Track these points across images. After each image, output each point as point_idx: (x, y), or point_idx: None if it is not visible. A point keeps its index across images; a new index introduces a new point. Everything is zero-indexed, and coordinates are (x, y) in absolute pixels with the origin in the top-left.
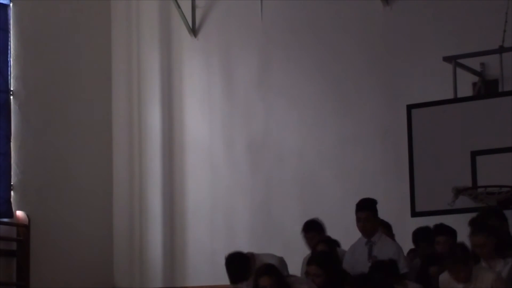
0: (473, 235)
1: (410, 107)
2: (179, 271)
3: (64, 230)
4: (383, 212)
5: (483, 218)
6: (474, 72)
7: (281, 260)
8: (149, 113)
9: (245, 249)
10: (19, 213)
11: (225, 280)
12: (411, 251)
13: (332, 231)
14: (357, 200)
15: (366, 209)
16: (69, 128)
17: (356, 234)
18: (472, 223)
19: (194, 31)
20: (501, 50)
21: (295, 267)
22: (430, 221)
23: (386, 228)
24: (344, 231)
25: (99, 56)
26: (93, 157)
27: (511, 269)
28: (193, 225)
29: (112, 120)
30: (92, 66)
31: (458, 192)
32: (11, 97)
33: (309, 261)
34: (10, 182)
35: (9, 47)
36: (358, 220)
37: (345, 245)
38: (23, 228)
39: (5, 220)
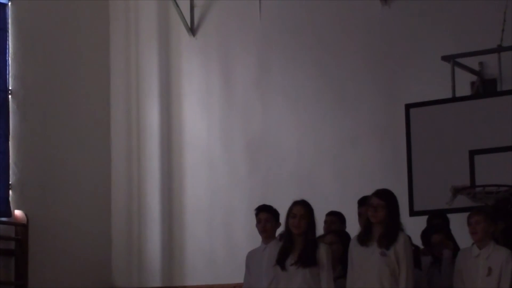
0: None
1: (408, 107)
2: (178, 270)
3: (62, 229)
4: None
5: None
6: (472, 71)
7: None
8: (148, 112)
9: (243, 249)
10: (18, 212)
11: (223, 279)
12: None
13: None
14: (356, 199)
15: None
16: (68, 128)
17: (355, 233)
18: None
19: (192, 30)
20: (500, 49)
21: None
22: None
23: None
24: None
25: (97, 55)
26: (92, 156)
27: None
28: (191, 224)
29: (111, 119)
30: (90, 65)
31: (456, 191)
32: (10, 96)
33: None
34: (9, 181)
35: (7, 46)
36: (359, 215)
37: None
38: (21, 227)
39: (4, 219)
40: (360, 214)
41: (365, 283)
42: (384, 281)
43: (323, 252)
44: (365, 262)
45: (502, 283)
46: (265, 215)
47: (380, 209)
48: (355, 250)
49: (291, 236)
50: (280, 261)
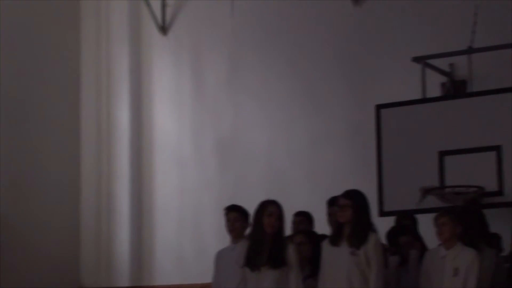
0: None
1: (379, 107)
2: (146, 269)
3: (31, 227)
4: None
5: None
6: (443, 72)
7: None
8: (118, 111)
9: (212, 248)
10: None
11: (192, 279)
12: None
13: None
14: (325, 199)
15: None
16: (38, 126)
17: (326, 233)
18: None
19: (164, 29)
20: (470, 50)
21: None
22: None
23: None
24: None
25: (68, 54)
26: (62, 155)
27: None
28: (160, 223)
29: (81, 119)
30: (61, 64)
31: (426, 192)
32: None
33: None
34: None
35: None
36: (328, 215)
37: None
38: None
39: None
40: (330, 214)
41: (334, 282)
42: (353, 280)
43: (291, 253)
44: (335, 261)
45: (468, 284)
46: (234, 214)
47: (346, 209)
48: (326, 250)
49: (262, 236)
50: (249, 262)
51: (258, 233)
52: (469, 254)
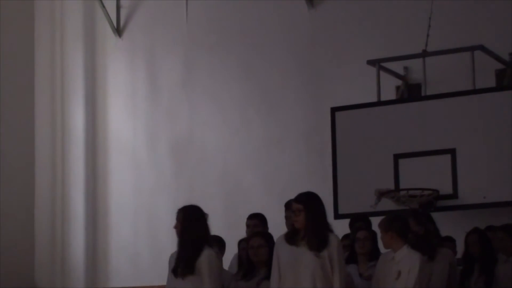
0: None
1: (334, 110)
2: (102, 271)
3: None
4: None
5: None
6: (397, 75)
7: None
8: (73, 113)
9: (168, 250)
10: None
11: (148, 281)
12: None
13: None
14: (280, 202)
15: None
16: None
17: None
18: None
19: (118, 31)
20: (424, 54)
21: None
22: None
23: None
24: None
25: (21, 55)
26: (15, 157)
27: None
28: (116, 225)
29: (35, 120)
30: (14, 65)
31: (381, 194)
32: None
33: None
34: None
35: None
36: (286, 218)
37: None
38: None
39: None
40: (287, 217)
41: (295, 283)
42: (317, 282)
43: (203, 261)
44: (296, 262)
45: (406, 285)
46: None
47: (299, 213)
48: (283, 249)
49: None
50: (174, 268)
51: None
52: (412, 257)
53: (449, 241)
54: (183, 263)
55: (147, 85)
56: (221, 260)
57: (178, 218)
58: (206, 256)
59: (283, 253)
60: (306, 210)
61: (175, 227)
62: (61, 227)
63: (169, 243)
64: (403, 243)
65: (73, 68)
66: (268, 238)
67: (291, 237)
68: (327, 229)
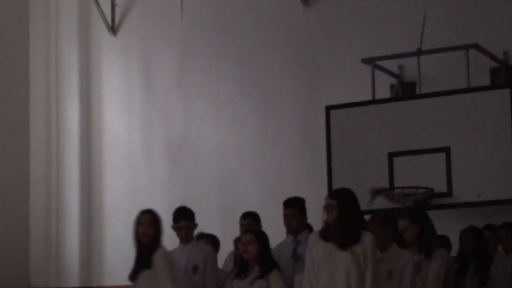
0: (398, 219)
1: (328, 108)
2: (96, 270)
3: None
4: None
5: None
6: (392, 74)
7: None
8: (67, 111)
9: None
10: None
11: None
12: None
13: None
14: (275, 200)
15: (292, 206)
16: None
17: (275, 234)
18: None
19: (113, 29)
20: (419, 52)
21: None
22: None
23: (309, 230)
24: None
25: (16, 53)
26: (10, 155)
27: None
28: (110, 224)
29: (30, 119)
30: (9, 64)
31: (375, 193)
32: None
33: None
34: None
35: None
36: (284, 217)
37: None
38: None
39: None
40: (285, 216)
41: (330, 280)
42: (351, 278)
43: (158, 257)
44: (330, 258)
45: (402, 285)
46: (185, 223)
47: (332, 209)
48: (317, 246)
49: (137, 244)
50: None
51: (135, 242)
52: (403, 256)
53: (444, 240)
54: (143, 261)
55: (142, 83)
56: (216, 258)
57: (146, 222)
58: (160, 252)
59: (316, 250)
60: (339, 206)
61: (143, 233)
62: (56, 225)
63: (163, 241)
64: (392, 242)
65: (68, 66)
66: (260, 235)
67: (325, 233)
68: (361, 226)
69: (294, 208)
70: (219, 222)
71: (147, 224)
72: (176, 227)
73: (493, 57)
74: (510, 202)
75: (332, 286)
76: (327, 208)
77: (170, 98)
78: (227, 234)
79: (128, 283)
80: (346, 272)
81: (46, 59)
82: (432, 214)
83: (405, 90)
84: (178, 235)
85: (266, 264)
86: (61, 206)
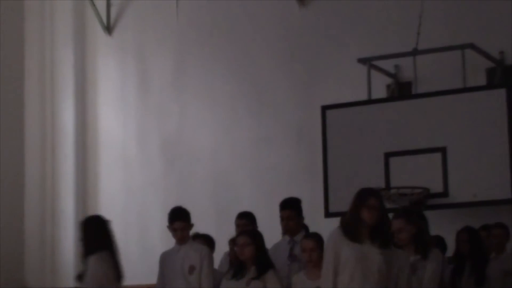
0: (393, 219)
1: (324, 108)
2: None
3: None
4: None
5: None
6: (388, 74)
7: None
8: (62, 111)
9: (158, 249)
10: None
11: (138, 280)
12: None
13: None
14: (271, 200)
15: (288, 208)
16: None
17: (270, 234)
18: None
19: (108, 29)
20: (415, 52)
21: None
22: None
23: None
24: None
25: (11, 53)
26: (5, 155)
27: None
28: None
29: (25, 119)
30: (4, 63)
31: None
32: None
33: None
34: None
35: None
36: (281, 218)
37: None
38: None
39: None
40: (282, 218)
41: (363, 280)
42: (383, 279)
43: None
44: (363, 259)
45: (399, 286)
46: (181, 224)
47: (375, 211)
48: (345, 246)
49: None
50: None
51: None
52: (399, 256)
53: (439, 240)
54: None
55: (137, 83)
56: (212, 259)
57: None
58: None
59: (345, 250)
60: (381, 208)
61: None
62: (51, 225)
63: (158, 241)
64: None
65: (63, 66)
66: (255, 235)
67: (355, 234)
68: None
69: (291, 209)
70: (215, 222)
71: None
72: (172, 228)
73: (489, 57)
74: (506, 202)
75: (366, 286)
76: (369, 208)
77: (165, 97)
78: (223, 234)
79: (123, 283)
80: (379, 272)
81: (41, 58)
82: (428, 214)
83: (401, 90)
84: (174, 236)
85: (262, 265)
86: (56, 206)
